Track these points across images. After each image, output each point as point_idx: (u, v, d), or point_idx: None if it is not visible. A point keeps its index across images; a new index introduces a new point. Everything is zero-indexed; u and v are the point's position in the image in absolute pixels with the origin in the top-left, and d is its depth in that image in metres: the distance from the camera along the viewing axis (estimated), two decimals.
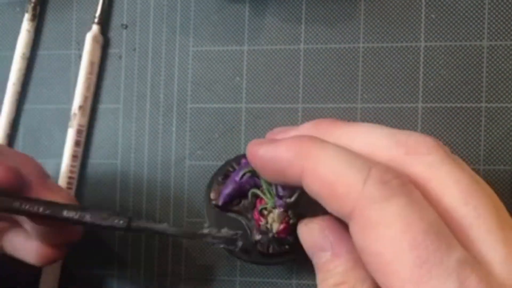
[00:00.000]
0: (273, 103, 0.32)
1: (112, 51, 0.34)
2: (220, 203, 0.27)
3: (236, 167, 0.28)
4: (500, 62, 0.30)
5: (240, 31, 0.33)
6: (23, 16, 0.35)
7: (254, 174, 0.25)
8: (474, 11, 0.30)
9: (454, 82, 0.30)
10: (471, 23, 0.30)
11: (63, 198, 0.26)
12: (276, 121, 0.32)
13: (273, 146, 0.20)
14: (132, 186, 0.33)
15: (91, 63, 0.34)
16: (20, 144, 0.35)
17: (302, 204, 0.23)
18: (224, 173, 0.28)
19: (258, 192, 0.25)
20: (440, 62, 0.31)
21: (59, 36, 0.35)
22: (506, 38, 0.30)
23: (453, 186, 0.18)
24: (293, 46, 0.32)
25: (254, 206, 0.26)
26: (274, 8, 0.32)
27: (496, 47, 0.30)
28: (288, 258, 0.27)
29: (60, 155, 0.34)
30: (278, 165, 0.20)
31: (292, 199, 0.22)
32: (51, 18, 0.35)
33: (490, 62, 0.30)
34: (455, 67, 0.30)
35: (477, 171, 0.25)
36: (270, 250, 0.26)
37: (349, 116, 0.31)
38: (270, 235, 0.25)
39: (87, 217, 0.24)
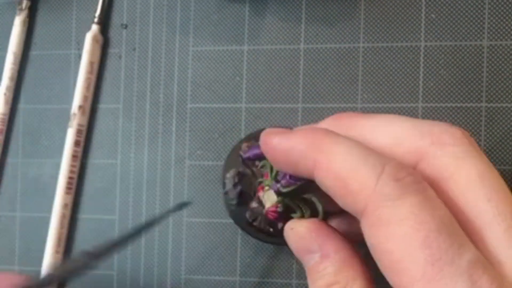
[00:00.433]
0: (273, 103, 0.32)
1: (112, 51, 0.34)
2: (244, 156, 0.28)
3: None
4: (500, 62, 0.30)
5: (240, 31, 0.33)
6: (20, 15, 0.35)
7: None
8: (474, 11, 0.30)
9: (454, 82, 0.30)
10: (471, 23, 0.30)
11: None
12: (276, 121, 0.32)
13: (286, 137, 0.20)
14: (132, 186, 0.33)
15: (91, 63, 0.34)
16: (20, 144, 0.35)
17: (293, 200, 0.23)
18: None
19: (267, 166, 0.25)
20: (440, 62, 0.31)
21: (59, 35, 0.35)
22: (506, 38, 0.30)
23: (477, 181, 0.18)
24: (293, 46, 0.32)
25: (263, 175, 0.26)
26: (274, 8, 0.32)
27: (496, 47, 0.30)
28: (266, 240, 0.27)
29: (59, 155, 0.34)
30: (291, 156, 0.20)
31: (285, 190, 0.22)
32: (51, 17, 0.35)
33: (490, 62, 0.30)
34: (455, 67, 0.31)
35: None
36: (255, 223, 0.27)
37: None
38: (263, 210, 0.25)
39: (56, 273, 0.24)
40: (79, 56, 0.34)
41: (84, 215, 0.34)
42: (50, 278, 0.24)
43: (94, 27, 0.34)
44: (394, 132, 0.20)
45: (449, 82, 0.31)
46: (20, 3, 0.35)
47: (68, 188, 0.33)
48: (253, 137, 0.29)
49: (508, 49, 0.30)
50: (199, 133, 0.33)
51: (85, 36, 0.34)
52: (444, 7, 0.31)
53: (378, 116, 0.21)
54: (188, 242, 0.33)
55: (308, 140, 0.19)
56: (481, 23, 0.30)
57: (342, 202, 0.19)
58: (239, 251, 0.32)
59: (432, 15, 0.31)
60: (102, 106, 0.34)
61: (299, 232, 0.21)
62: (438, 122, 0.20)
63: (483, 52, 0.30)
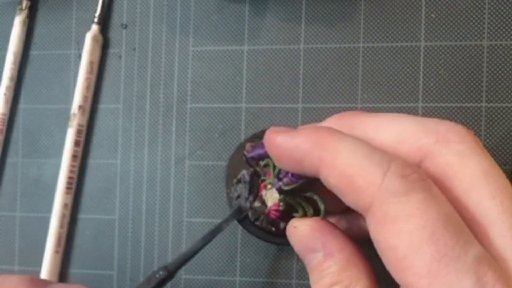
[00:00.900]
0: (273, 103, 0.32)
1: (112, 51, 0.34)
2: (248, 155, 0.28)
3: None
4: (500, 62, 0.30)
5: (240, 31, 0.33)
6: (20, 15, 0.35)
7: None
8: (474, 11, 0.30)
9: (454, 82, 0.31)
10: (471, 23, 0.30)
11: None
12: (276, 121, 0.32)
13: (291, 135, 0.20)
14: (132, 186, 0.33)
15: (91, 63, 0.34)
16: (20, 144, 0.35)
17: (296, 198, 0.23)
18: None
19: (270, 164, 0.25)
20: (440, 62, 0.31)
21: (59, 35, 0.35)
22: (506, 38, 0.30)
23: (481, 178, 0.18)
24: (293, 46, 0.32)
25: (266, 174, 0.26)
26: (274, 8, 0.32)
27: (496, 47, 0.30)
28: (269, 240, 0.27)
29: (59, 155, 0.34)
30: (295, 155, 0.20)
31: (287, 187, 0.22)
32: (51, 17, 0.35)
33: (490, 62, 0.30)
34: (455, 67, 0.31)
35: None
36: (257, 222, 0.27)
37: None
38: (266, 209, 0.25)
39: None
40: (79, 56, 0.34)
41: (84, 215, 0.34)
42: None
43: (94, 27, 0.34)
44: (398, 130, 0.20)
45: (449, 82, 0.31)
46: (20, 3, 0.35)
47: (68, 188, 0.33)
48: (257, 137, 0.29)
49: (508, 49, 0.30)
50: (199, 133, 0.33)
51: (85, 36, 0.34)
52: (444, 7, 0.31)
53: (381, 115, 0.21)
54: (188, 242, 0.33)
55: (313, 138, 0.19)
56: (481, 23, 0.30)
57: (347, 199, 0.19)
58: (239, 251, 0.32)
59: (432, 15, 0.31)
60: (102, 106, 0.34)
61: (302, 230, 0.21)
62: (442, 120, 0.20)
63: (483, 52, 0.30)
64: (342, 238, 0.20)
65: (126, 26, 0.34)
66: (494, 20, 0.30)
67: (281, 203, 0.24)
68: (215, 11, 0.33)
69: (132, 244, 0.33)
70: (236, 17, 0.33)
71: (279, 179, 0.23)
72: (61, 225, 0.33)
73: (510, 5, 0.30)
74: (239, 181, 0.28)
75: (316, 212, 0.22)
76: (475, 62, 0.30)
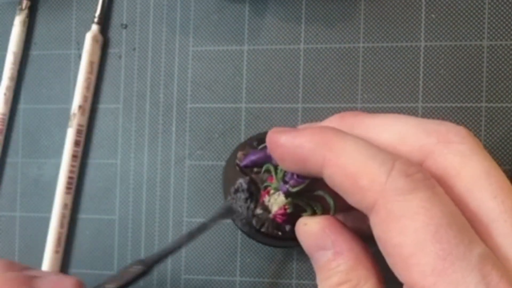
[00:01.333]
0: (273, 103, 0.32)
1: (112, 51, 0.34)
2: (242, 164, 0.27)
3: None
4: (500, 62, 0.30)
5: (240, 31, 0.33)
6: (20, 15, 0.35)
7: None
8: (474, 11, 0.30)
9: (454, 82, 0.30)
10: (471, 23, 0.30)
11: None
12: (276, 121, 0.32)
13: (295, 135, 0.20)
14: (132, 186, 0.33)
15: (91, 63, 0.34)
16: (20, 144, 0.35)
17: (304, 198, 0.23)
18: (260, 139, 0.28)
19: (271, 168, 0.25)
20: (440, 62, 0.31)
21: (58, 35, 0.35)
22: (506, 38, 0.30)
23: (483, 178, 0.18)
24: (293, 46, 0.32)
25: (265, 180, 0.26)
26: (274, 8, 0.32)
27: (496, 47, 0.30)
28: (276, 244, 0.27)
29: (59, 155, 0.34)
30: (299, 154, 0.20)
31: (295, 189, 0.22)
32: (51, 18, 0.35)
33: (490, 62, 0.30)
34: (455, 67, 0.31)
35: None
36: (263, 229, 0.27)
37: None
38: (270, 215, 0.25)
39: (110, 286, 0.24)
40: (79, 56, 0.34)
41: (84, 215, 0.34)
42: None
43: (94, 27, 0.34)
44: (399, 131, 0.20)
45: (449, 82, 0.31)
46: (20, 3, 0.35)
47: (68, 188, 0.33)
48: (247, 144, 0.29)
49: (508, 49, 0.30)
50: (199, 133, 0.33)
51: (85, 36, 0.34)
52: (444, 7, 0.31)
53: (382, 115, 0.21)
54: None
55: (317, 138, 0.19)
56: (481, 23, 0.30)
57: (351, 198, 0.19)
58: (239, 251, 0.32)
59: (432, 15, 0.31)
60: (102, 106, 0.34)
61: (313, 227, 0.21)
62: (443, 121, 0.20)
63: (483, 52, 0.30)
64: (351, 237, 0.20)
65: (126, 26, 0.34)
66: (494, 20, 0.30)
67: (288, 206, 0.24)
68: (215, 11, 0.33)
69: (132, 244, 0.33)
70: (236, 17, 0.33)
71: (285, 182, 0.23)
72: (61, 225, 0.33)
73: (510, 5, 0.30)
74: (237, 191, 0.28)
75: (325, 211, 0.22)
76: (475, 62, 0.30)
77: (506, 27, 0.30)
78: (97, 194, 0.34)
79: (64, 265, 0.34)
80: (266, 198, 0.25)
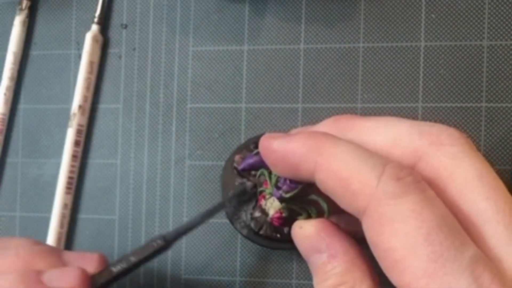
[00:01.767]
0: (273, 103, 0.32)
1: (112, 51, 0.34)
2: (239, 167, 0.28)
3: None
4: (500, 62, 0.30)
5: (240, 31, 0.33)
6: (20, 15, 0.35)
7: None
8: (474, 11, 0.30)
9: (454, 82, 0.31)
10: (471, 23, 0.30)
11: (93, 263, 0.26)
12: (276, 121, 0.32)
13: (287, 141, 0.20)
14: (132, 186, 0.33)
15: (91, 63, 0.34)
16: (20, 144, 0.35)
17: (298, 203, 0.23)
18: (257, 142, 0.28)
19: (265, 174, 0.25)
20: (440, 62, 0.31)
21: (58, 35, 0.35)
22: (506, 38, 0.30)
23: (475, 180, 0.18)
24: (293, 46, 0.32)
25: (262, 184, 0.26)
26: (274, 8, 0.32)
27: (496, 47, 0.30)
28: (275, 246, 0.27)
29: (59, 155, 0.34)
30: (291, 160, 0.20)
31: (288, 195, 0.22)
32: (51, 17, 0.35)
33: (490, 62, 0.30)
34: (455, 67, 0.31)
35: None
36: (261, 232, 0.27)
37: None
38: (268, 218, 0.25)
39: (132, 259, 0.25)
40: (79, 56, 0.34)
41: (84, 215, 0.34)
42: (128, 262, 0.25)
43: (94, 27, 0.34)
44: (391, 134, 0.20)
45: (449, 82, 0.31)
46: (20, 3, 0.35)
47: (68, 188, 0.33)
48: (244, 148, 0.29)
49: (508, 49, 0.30)
50: (199, 133, 0.33)
51: (85, 36, 0.34)
52: (444, 7, 0.31)
53: (375, 118, 0.21)
54: (188, 242, 0.33)
55: (309, 142, 0.20)
56: (481, 23, 0.30)
57: (343, 202, 0.19)
58: (239, 251, 0.32)
59: (432, 15, 0.31)
60: (102, 106, 0.34)
61: (308, 231, 0.21)
62: (436, 124, 0.20)
63: (483, 52, 0.30)
64: (346, 240, 0.20)
65: (126, 26, 0.34)
66: (494, 20, 0.30)
67: (283, 211, 0.24)
68: (215, 11, 0.33)
69: (132, 244, 0.33)
70: (236, 17, 0.33)
71: (278, 188, 0.23)
72: (61, 225, 0.33)
73: (510, 5, 0.30)
74: (235, 194, 0.28)
75: (320, 214, 0.22)
76: (475, 62, 0.30)
77: (506, 27, 0.30)
78: (97, 194, 0.34)
79: None
80: (262, 202, 0.25)
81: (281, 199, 0.23)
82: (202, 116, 0.33)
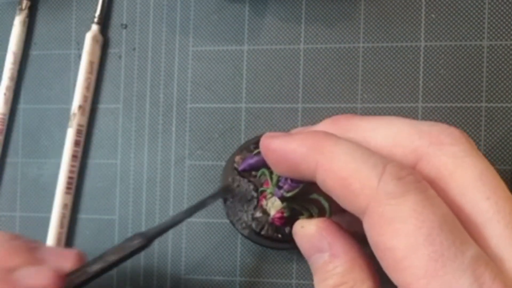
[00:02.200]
0: (273, 103, 0.32)
1: (112, 51, 0.34)
2: (240, 168, 0.28)
3: None
4: (500, 62, 0.30)
5: (240, 31, 0.33)
6: (20, 15, 0.35)
7: None
8: (474, 11, 0.30)
9: (454, 82, 0.30)
10: (471, 23, 0.30)
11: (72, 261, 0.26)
12: (276, 121, 0.32)
13: (287, 140, 0.20)
14: (132, 186, 0.33)
15: (91, 63, 0.34)
16: (20, 144, 0.35)
17: (299, 202, 0.23)
18: (257, 142, 0.28)
19: (266, 173, 0.25)
20: (440, 62, 0.31)
21: (58, 35, 0.35)
22: (506, 38, 0.30)
23: (476, 179, 0.18)
24: (293, 46, 0.32)
25: (263, 184, 0.26)
26: (274, 8, 0.32)
27: (496, 47, 0.30)
28: (276, 246, 0.27)
29: (59, 155, 0.34)
30: (292, 159, 0.20)
31: (289, 194, 0.22)
32: (51, 17, 0.35)
33: (490, 62, 0.30)
34: (455, 67, 0.31)
35: None
36: (263, 232, 0.27)
37: None
38: (269, 218, 0.25)
39: (111, 258, 0.24)
40: (79, 56, 0.34)
41: (84, 215, 0.34)
42: (106, 261, 0.24)
43: (94, 27, 0.34)
44: (392, 133, 0.20)
45: (449, 82, 0.31)
46: (20, 3, 0.35)
47: (68, 188, 0.33)
48: (244, 148, 0.29)
49: (508, 49, 0.30)
50: (199, 133, 0.33)
51: (85, 36, 0.34)
52: (444, 7, 0.31)
53: (375, 118, 0.21)
54: (188, 242, 0.33)
55: (309, 142, 0.20)
56: (481, 23, 0.30)
57: (344, 202, 0.19)
58: (239, 251, 0.32)
59: (432, 15, 0.31)
60: (102, 106, 0.34)
61: (310, 230, 0.21)
62: (436, 123, 0.20)
63: (483, 52, 0.30)
64: (348, 239, 0.20)
65: (126, 26, 0.34)
66: (494, 20, 0.30)
67: (284, 210, 0.24)
68: (215, 11, 0.33)
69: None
70: (236, 17, 0.33)
71: (279, 187, 0.23)
72: (61, 225, 0.33)
73: (510, 5, 0.30)
74: (235, 195, 0.28)
75: (321, 213, 0.22)
76: (475, 62, 0.30)
77: (506, 27, 0.30)
78: (97, 194, 0.34)
79: None
80: (263, 202, 0.25)
81: (282, 199, 0.23)
82: (202, 116, 0.33)
